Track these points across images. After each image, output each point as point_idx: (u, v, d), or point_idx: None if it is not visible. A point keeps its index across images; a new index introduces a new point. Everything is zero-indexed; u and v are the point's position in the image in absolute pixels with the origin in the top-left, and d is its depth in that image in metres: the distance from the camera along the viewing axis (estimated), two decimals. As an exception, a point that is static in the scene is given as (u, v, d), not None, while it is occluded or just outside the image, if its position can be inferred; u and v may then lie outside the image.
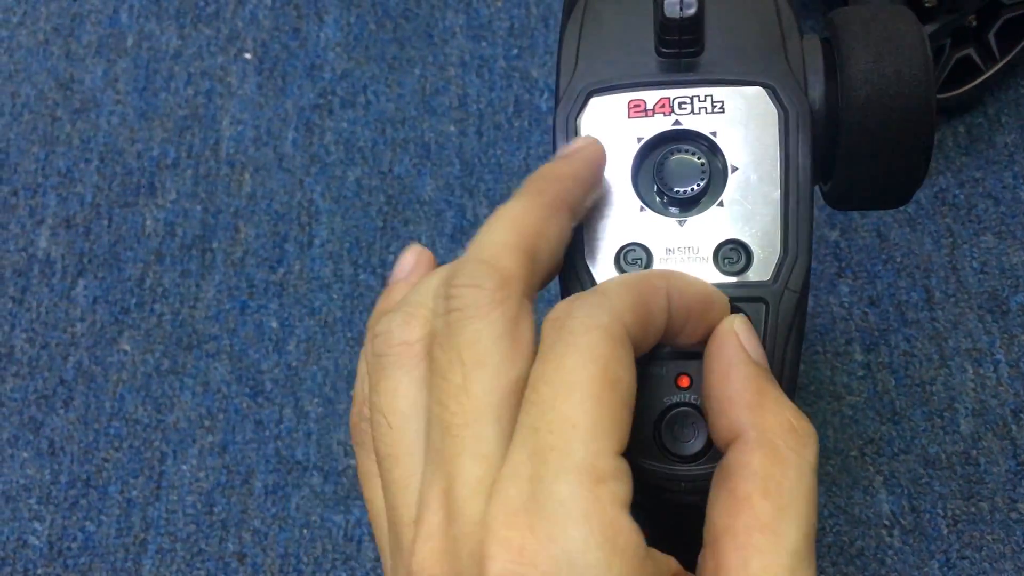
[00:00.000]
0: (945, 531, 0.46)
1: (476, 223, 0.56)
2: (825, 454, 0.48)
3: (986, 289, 0.51)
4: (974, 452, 0.47)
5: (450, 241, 0.56)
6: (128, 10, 0.65)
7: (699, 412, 0.29)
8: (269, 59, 0.62)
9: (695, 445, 0.28)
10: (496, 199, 0.56)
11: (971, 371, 0.49)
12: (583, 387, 0.20)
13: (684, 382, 0.29)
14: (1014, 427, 0.47)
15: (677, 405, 0.29)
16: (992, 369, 0.49)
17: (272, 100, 0.61)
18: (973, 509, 0.46)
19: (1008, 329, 0.50)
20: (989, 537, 0.46)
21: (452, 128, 0.59)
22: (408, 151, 0.58)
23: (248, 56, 0.62)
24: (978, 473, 0.47)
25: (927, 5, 0.46)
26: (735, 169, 0.29)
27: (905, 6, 0.32)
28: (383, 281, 0.55)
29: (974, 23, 0.51)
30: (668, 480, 0.29)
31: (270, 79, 0.61)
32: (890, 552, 0.46)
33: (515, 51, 0.61)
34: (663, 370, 0.29)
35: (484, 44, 0.61)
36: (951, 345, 0.49)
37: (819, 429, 0.48)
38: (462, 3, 0.63)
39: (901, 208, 0.53)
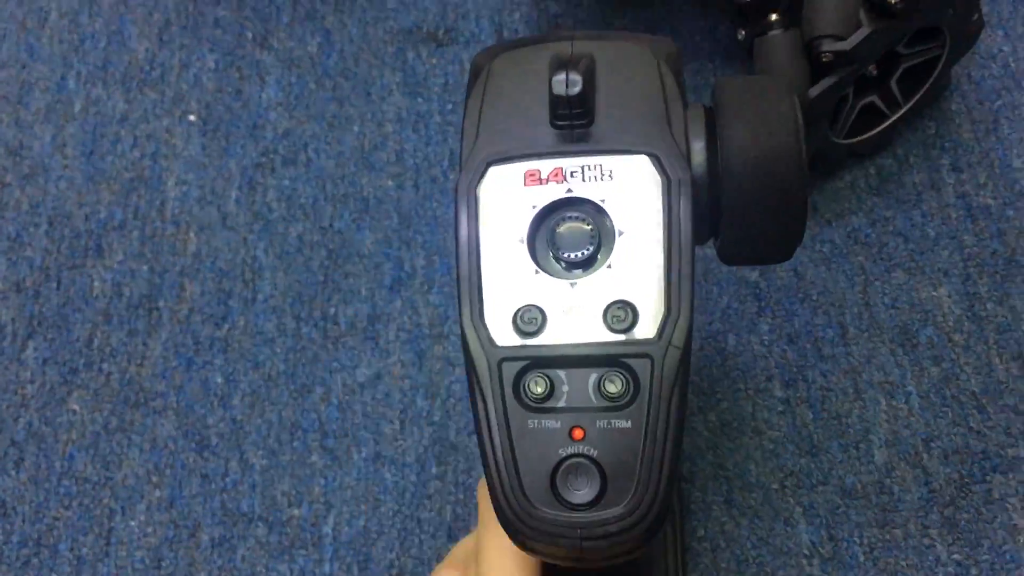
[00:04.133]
0: (862, 559, 0.48)
1: (414, 274, 0.58)
2: (747, 488, 0.50)
3: (897, 323, 0.53)
4: (888, 481, 0.49)
5: (389, 292, 0.58)
6: (75, 76, 0.67)
7: (592, 463, 0.31)
8: (212, 120, 0.64)
9: (588, 494, 0.31)
10: (432, 249, 0.58)
11: (884, 403, 0.51)
12: None
13: (578, 434, 0.31)
14: (925, 456, 0.50)
15: (571, 456, 0.31)
16: (904, 400, 0.51)
17: (216, 160, 0.63)
18: (888, 536, 0.48)
19: (918, 361, 0.52)
20: (904, 563, 0.48)
21: (390, 182, 0.61)
22: (348, 206, 0.61)
23: (192, 118, 0.65)
24: (892, 502, 0.49)
25: (824, 60, 0.49)
26: (622, 233, 0.32)
27: (779, 77, 0.34)
28: (325, 333, 0.57)
29: (875, 72, 0.54)
30: (564, 527, 0.31)
31: (214, 140, 0.63)
32: (811, 581, 0.48)
33: (449, 106, 0.63)
34: (558, 423, 0.31)
35: (420, 100, 0.64)
36: (865, 378, 0.52)
37: (741, 464, 0.50)
38: (399, 61, 0.65)
39: (816, 248, 0.56)
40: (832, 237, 0.56)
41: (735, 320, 0.54)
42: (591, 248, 0.31)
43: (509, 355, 0.31)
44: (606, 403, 0.31)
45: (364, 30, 0.67)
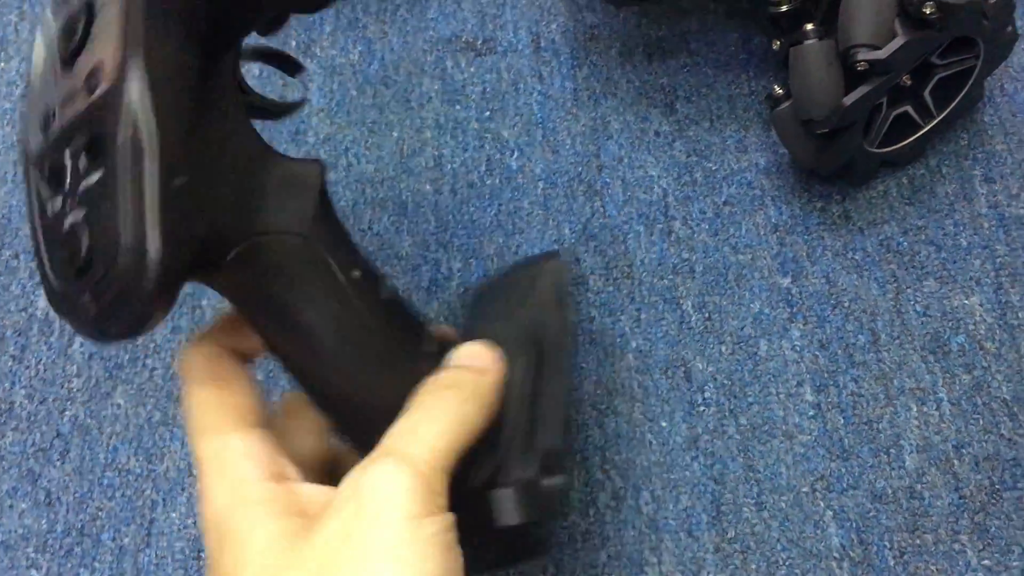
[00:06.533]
0: (892, 563, 0.48)
1: (450, 276, 0.59)
2: (778, 491, 0.50)
3: (929, 331, 0.53)
4: (918, 487, 0.50)
5: (426, 293, 0.59)
6: (124, 82, 0.69)
7: None
8: (255, 125, 0.66)
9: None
10: (469, 253, 0.60)
11: (915, 409, 0.52)
12: None
13: None
14: (956, 462, 0.50)
15: None
16: (935, 407, 0.52)
17: (258, 164, 0.64)
18: (918, 541, 0.49)
19: (950, 369, 0.52)
20: (933, 568, 0.48)
21: (428, 187, 0.62)
22: (387, 210, 0.62)
23: (236, 123, 0.66)
24: (922, 507, 0.49)
25: (859, 69, 0.50)
26: None
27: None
28: (362, 333, 0.58)
29: (909, 82, 0.55)
30: None
31: (257, 144, 0.65)
32: (840, 583, 0.48)
33: (487, 113, 0.65)
34: None
35: (458, 108, 0.65)
36: (896, 385, 0.52)
37: (772, 467, 0.51)
38: (438, 70, 0.67)
39: (849, 255, 0.56)
40: (864, 245, 0.56)
41: (767, 325, 0.55)
42: None
43: None
44: None
45: (404, 39, 0.68)
